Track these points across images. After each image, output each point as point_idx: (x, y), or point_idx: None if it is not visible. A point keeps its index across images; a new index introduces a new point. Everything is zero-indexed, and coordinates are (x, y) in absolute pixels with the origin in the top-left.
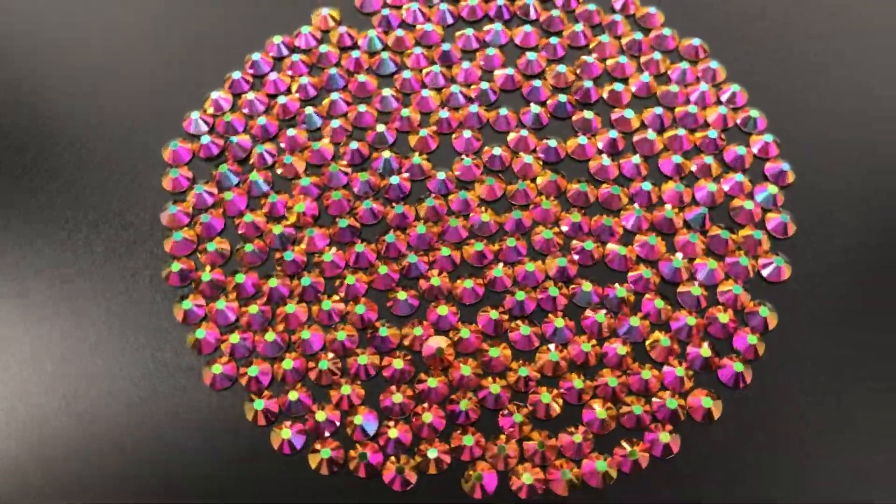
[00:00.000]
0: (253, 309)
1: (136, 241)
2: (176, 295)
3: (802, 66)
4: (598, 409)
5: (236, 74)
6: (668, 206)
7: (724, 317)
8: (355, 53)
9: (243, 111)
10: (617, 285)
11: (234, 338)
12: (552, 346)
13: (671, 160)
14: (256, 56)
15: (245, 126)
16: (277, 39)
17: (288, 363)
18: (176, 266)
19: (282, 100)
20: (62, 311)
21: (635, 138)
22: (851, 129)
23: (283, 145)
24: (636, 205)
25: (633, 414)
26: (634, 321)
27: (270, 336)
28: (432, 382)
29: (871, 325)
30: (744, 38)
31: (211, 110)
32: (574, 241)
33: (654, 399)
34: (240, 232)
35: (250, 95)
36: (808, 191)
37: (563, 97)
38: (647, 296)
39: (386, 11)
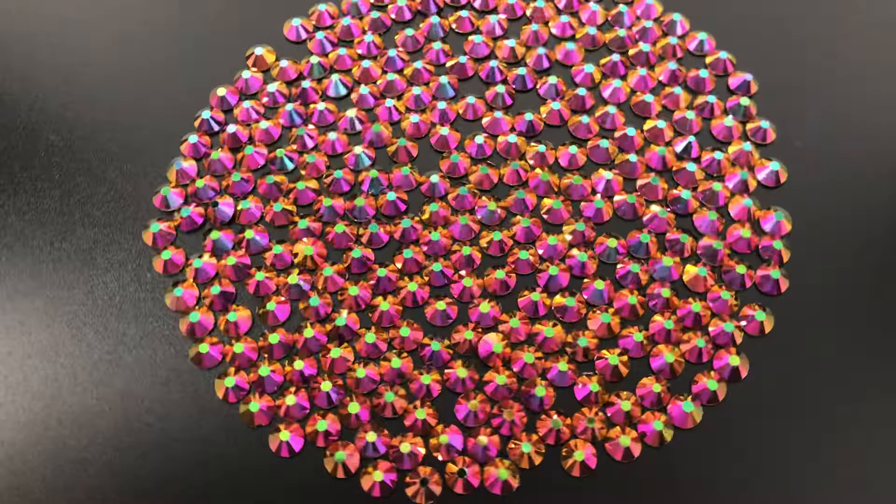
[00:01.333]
0: (299, 365)
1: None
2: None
3: (808, 66)
4: (666, 354)
5: (193, 138)
6: (656, 147)
7: (746, 232)
8: (305, 84)
9: (212, 173)
10: (636, 232)
11: (290, 399)
12: (599, 310)
13: (643, 100)
14: (206, 114)
15: (220, 187)
16: (221, 91)
17: (354, 407)
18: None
19: (248, 150)
20: (48, 310)
21: (604, 92)
22: (853, 127)
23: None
24: (627, 153)
25: (696, 347)
26: (667, 261)
27: (327, 386)
28: (501, 380)
29: (873, 320)
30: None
31: (177, 179)
32: (582, 204)
33: (709, 329)
34: (252, 293)
35: (215, 155)
36: (806, 190)
37: (521, 70)
38: (668, 233)
39: (321, 35)
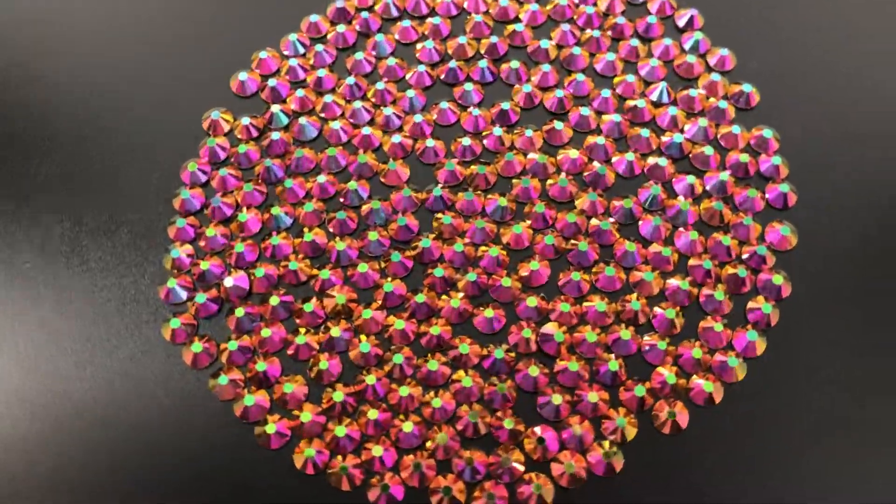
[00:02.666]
0: (373, 414)
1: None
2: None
3: (809, 65)
4: (716, 293)
5: (180, 222)
6: (634, 101)
7: (744, 157)
8: (275, 136)
9: (212, 251)
10: (648, 184)
11: (340, 430)
12: (638, 270)
13: (605, 60)
14: (185, 194)
15: (224, 263)
16: (192, 166)
17: (443, 438)
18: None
19: (242, 218)
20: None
21: (566, 63)
22: (856, 127)
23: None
24: (609, 113)
25: (737, 276)
26: (683, 205)
27: (373, 414)
28: (573, 366)
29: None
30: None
31: (175, 267)
32: (585, 174)
33: (742, 256)
34: (299, 358)
35: (210, 232)
36: (810, 188)
37: (482, 63)
38: (674, 179)
39: (272, 82)
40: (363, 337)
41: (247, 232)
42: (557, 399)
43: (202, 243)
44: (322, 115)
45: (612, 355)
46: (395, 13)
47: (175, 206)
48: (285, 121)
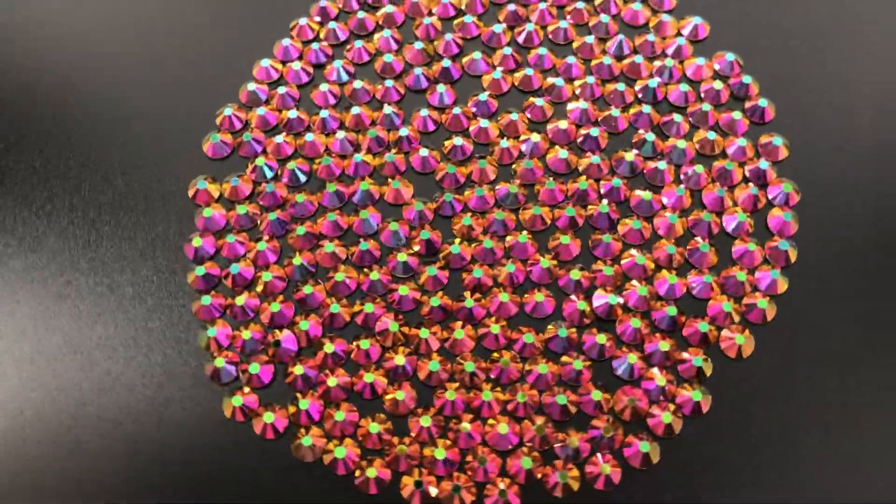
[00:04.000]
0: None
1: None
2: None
3: (814, 67)
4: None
5: (206, 300)
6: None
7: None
8: (269, 188)
9: (240, 322)
10: (640, 133)
11: (440, 453)
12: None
13: (559, 26)
14: (200, 271)
15: (263, 338)
16: (197, 243)
17: (539, 430)
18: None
19: (266, 277)
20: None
21: (519, 38)
22: (860, 132)
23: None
24: (584, 78)
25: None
26: (680, 143)
27: (466, 427)
28: (635, 323)
29: (876, 318)
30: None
31: (211, 348)
32: (579, 140)
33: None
34: (366, 396)
35: (240, 300)
36: (813, 185)
37: (445, 62)
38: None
39: (247, 136)
40: (435, 355)
41: (275, 290)
42: (632, 358)
43: (234, 316)
44: (307, 155)
45: (666, 302)
46: (342, 37)
47: (191, 282)
48: (271, 173)
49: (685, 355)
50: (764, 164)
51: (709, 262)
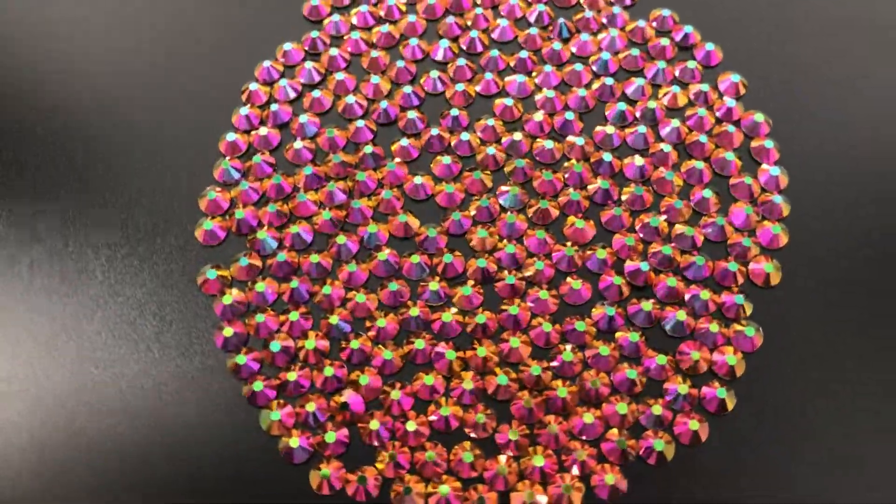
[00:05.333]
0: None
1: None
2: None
3: (804, 71)
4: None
5: (243, 358)
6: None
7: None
8: (271, 208)
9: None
10: (611, 105)
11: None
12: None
13: (530, 35)
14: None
15: (313, 379)
16: (227, 331)
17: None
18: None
19: (293, 317)
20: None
21: (463, 43)
22: (851, 133)
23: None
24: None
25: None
26: (651, 103)
27: (553, 429)
28: (671, 282)
29: (868, 323)
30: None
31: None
32: (556, 128)
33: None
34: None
35: (275, 347)
36: (804, 192)
37: (406, 89)
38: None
39: (241, 214)
40: (498, 370)
41: (317, 361)
42: (681, 315)
43: (291, 393)
44: (303, 215)
45: (691, 254)
46: (292, 95)
47: (230, 369)
48: (275, 243)
49: (724, 297)
50: (731, 101)
51: (714, 204)
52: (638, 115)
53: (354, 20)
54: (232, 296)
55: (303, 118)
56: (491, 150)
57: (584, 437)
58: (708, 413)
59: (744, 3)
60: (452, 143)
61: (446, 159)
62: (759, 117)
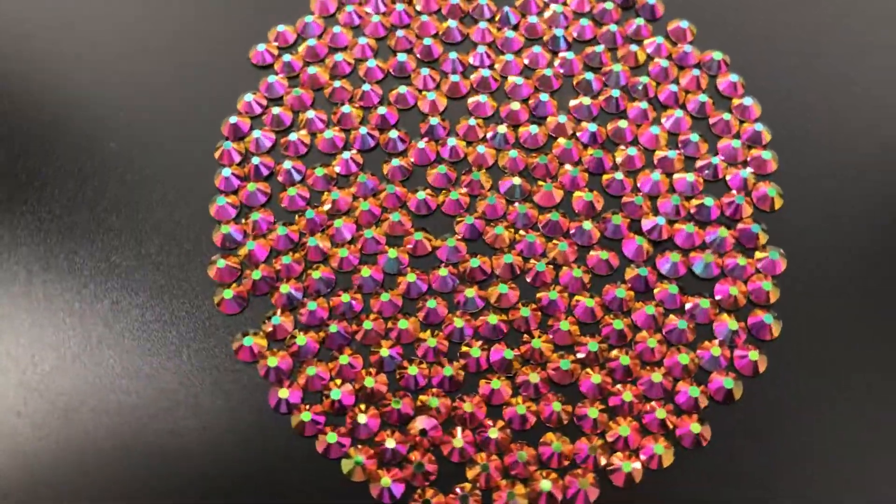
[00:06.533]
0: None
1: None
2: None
3: (806, 73)
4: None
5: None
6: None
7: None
8: (286, 260)
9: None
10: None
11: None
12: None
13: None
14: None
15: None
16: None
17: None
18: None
19: (329, 328)
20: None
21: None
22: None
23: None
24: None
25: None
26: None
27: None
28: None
29: (873, 330)
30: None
31: None
32: (532, 112)
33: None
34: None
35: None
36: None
37: (381, 108)
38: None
39: (258, 275)
40: (555, 356)
41: (381, 397)
42: (708, 257)
43: (356, 432)
44: (314, 259)
45: (705, 196)
46: (286, 121)
47: (296, 429)
48: (299, 296)
49: (740, 227)
50: (687, 47)
51: (702, 145)
52: (606, 80)
53: (305, 55)
54: (277, 357)
55: (286, 164)
56: (480, 148)
57: (656, 397)
58: (761, 342)
59: None
60: (440, 152)
61: (441, 168)
62: (717, 55)
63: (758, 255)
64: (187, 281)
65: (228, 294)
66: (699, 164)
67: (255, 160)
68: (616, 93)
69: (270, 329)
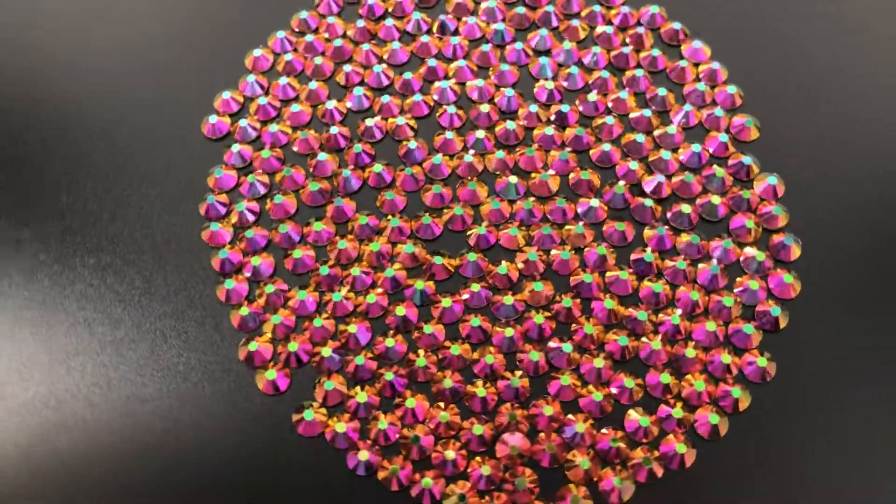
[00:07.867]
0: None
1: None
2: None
3: (805, 75)
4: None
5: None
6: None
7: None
8: (301, 296)
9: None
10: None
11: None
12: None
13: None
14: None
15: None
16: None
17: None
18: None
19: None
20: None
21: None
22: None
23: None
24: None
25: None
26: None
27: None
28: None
29: (881, 331)
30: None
31: None
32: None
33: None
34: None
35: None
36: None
37: (370, 119)
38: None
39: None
40: (613, 335)
41: (457, 430)
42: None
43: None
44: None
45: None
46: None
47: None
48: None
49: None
50: (639, 28)
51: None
52: (560, 61)
53: (259, 115)
54: (345, 423)
55: (282, 229)
56: (468, 157)
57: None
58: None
59: None
60: (423, 164)
61: (436, 188)
62: (654, 8)
63: (756, 183)
64: (197, 295)
65: (272, 375)
66: (673, 115)
67: (251, 177)
68: (574, 70)
69: (323, 395)
